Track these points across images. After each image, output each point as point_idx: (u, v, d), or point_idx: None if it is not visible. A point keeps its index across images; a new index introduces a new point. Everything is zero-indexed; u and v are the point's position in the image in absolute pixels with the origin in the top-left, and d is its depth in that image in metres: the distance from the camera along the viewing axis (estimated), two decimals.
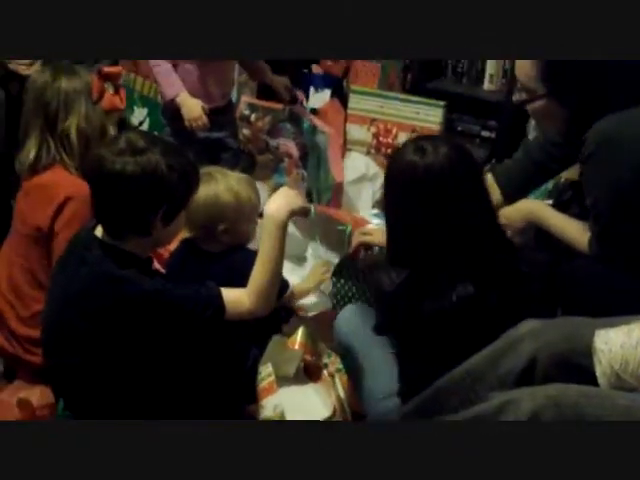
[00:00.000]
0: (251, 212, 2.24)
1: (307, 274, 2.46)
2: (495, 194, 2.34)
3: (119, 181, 1.81)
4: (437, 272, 1.93)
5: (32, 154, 2.32)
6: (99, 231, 1.93)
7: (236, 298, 1.97)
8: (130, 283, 1.86)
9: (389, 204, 2.03)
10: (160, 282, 1.92)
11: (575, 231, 2.17)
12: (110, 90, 2.36)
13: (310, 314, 2.40)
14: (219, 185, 2.18)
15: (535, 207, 2.32)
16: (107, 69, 2.37)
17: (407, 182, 1.93)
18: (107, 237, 1.91)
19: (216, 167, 2.35)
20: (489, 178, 2.41)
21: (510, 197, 2.39)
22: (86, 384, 1.96)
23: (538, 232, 2.30)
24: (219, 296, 1.95)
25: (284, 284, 2.17)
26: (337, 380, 2.26)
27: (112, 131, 2.40)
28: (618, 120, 1.99)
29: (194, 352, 2.02)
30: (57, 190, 2.28)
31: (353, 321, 2.25)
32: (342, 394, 2.22)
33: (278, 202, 2.01)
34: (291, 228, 2.53)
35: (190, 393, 2.04)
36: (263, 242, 1.99)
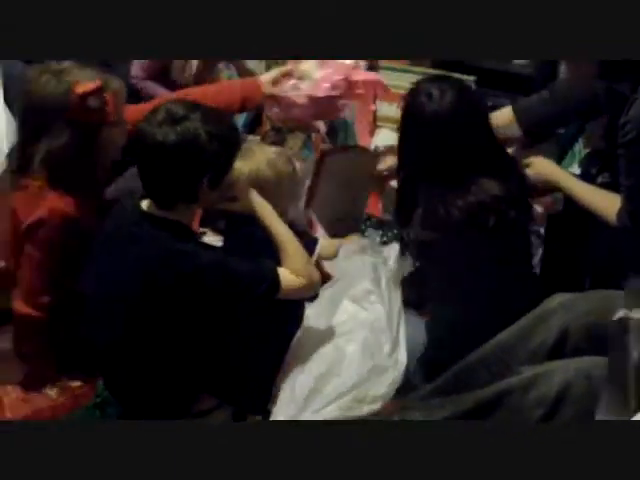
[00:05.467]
0: (290, 186, 2.26)
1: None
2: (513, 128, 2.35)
3: (161, 152, 1.82)
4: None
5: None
6: (145, 205, 1.93)
7: (290, 275, 1.98)
8: (192, 257, 1.87)
9: (400, 140, 2.21)
10: (219, 254, 1.93)
11: (600, 201, 2.11)
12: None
13: None
14: (259, 160, 2.20)
15: (549, 169, 2.26)
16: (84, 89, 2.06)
17: (415, 123, 2.11)
18: (155, 209, 1.91)
19: (253, 140, 2.36)
20: (509, 112, 2.37)
21: (530, 133, 2.37)
22: (134, 360, 1.98)
23: (567, 202, 2.28)
24: (275, 272, 1.95)
25: (313, 242, 2.20)
26: None
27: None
28: None
29: (241, 326, 2.02)
30: (36, 207, 2.09)
31: None
32: None
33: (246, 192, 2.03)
34: None
35: (232, 366, 2.04)
36: (267, 229, 2.01)
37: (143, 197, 1.95)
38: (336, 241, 2.41)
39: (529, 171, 2.27)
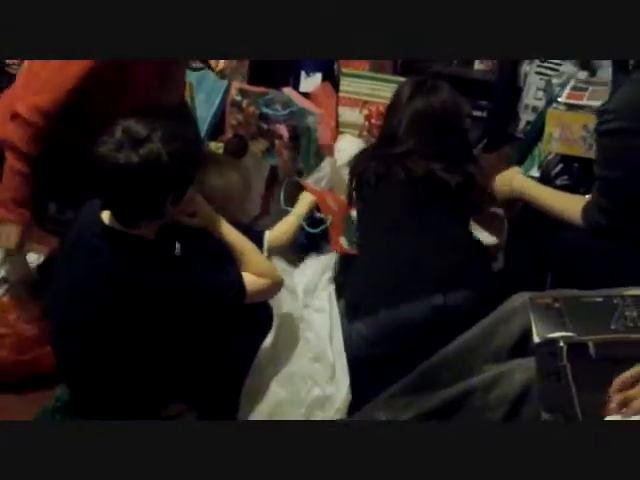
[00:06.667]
0: (239, 194, 2.28)
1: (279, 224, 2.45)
2: None
3: (124, 175, 1.79)
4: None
5: None
6: (107, 218, 1.92)
7: (254, 277, 1.99)
8: (158, 272, 1.88)
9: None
10: (185, 268, 1.93)
11: (562, 202, 2.16)
12: None
13: None
14: (209, 170, 2.21)
15: (516, 181, 2.32)
16: None
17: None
18: (117, 224, 1.90)
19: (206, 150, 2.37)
20: None
21: None
22: (101, 370, 1.98)
23: (525, 205, 2.31)
24: (240, 278, 1.97)
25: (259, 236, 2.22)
26: None
27: None
28: None
29: (209, 333, 2.02)
30: None
31: None
32: None
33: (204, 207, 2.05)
34: None
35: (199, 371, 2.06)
36: (224, 239, 2.03)
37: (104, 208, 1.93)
38: (285, 227, 2.41)
39: (496, 186, 2.32)
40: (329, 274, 2.35)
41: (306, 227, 2.47)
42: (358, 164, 2.49)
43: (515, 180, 2.33)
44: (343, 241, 2.49)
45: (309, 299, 2.29)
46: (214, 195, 2.18)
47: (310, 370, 2.11)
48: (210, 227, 2.03)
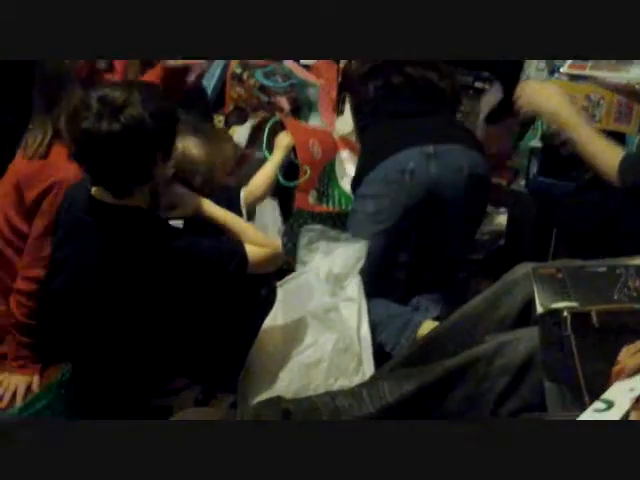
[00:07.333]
0: (223, 163, 2.27)
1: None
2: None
3: (110, 144, 1.76)
4: None
5: None
6: (97, 192, 1.89)
7: (255, 248, 1.98)
8: (160, 243, 1.86)
9: None
10: (186, 237, 1.92)
11: (599, 148, 1.95)
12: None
13: None
14: (187, 141, 2.18)
15: (558, 101, 2.07)
16: None
17: None
18: (112, 197, 1.88)
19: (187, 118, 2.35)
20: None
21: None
22: (101, 346, 1.98)
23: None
24: (242, 247, 1.95)
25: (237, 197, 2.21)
26: None
27: None
28: None
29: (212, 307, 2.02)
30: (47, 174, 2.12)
31: None
32: None
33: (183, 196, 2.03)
34: None
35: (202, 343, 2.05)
36: (214, 221, 2.01)
37: (93, 184, 1.90)
38: (260, 179, 2.37)
39: (523, 95, 2.13)
40: (361, 263, 2.30)
41: (281, 180, 2.43)
42: (352, 80, 2.64)
43: (557, 99, 2.07)
44: (312, 194, 2.46)
45: (338, 288, 2.27)
46: (197, 166, 2.14)
47: (337, 359, 2.10)
48: (196, 212, 2.01)
